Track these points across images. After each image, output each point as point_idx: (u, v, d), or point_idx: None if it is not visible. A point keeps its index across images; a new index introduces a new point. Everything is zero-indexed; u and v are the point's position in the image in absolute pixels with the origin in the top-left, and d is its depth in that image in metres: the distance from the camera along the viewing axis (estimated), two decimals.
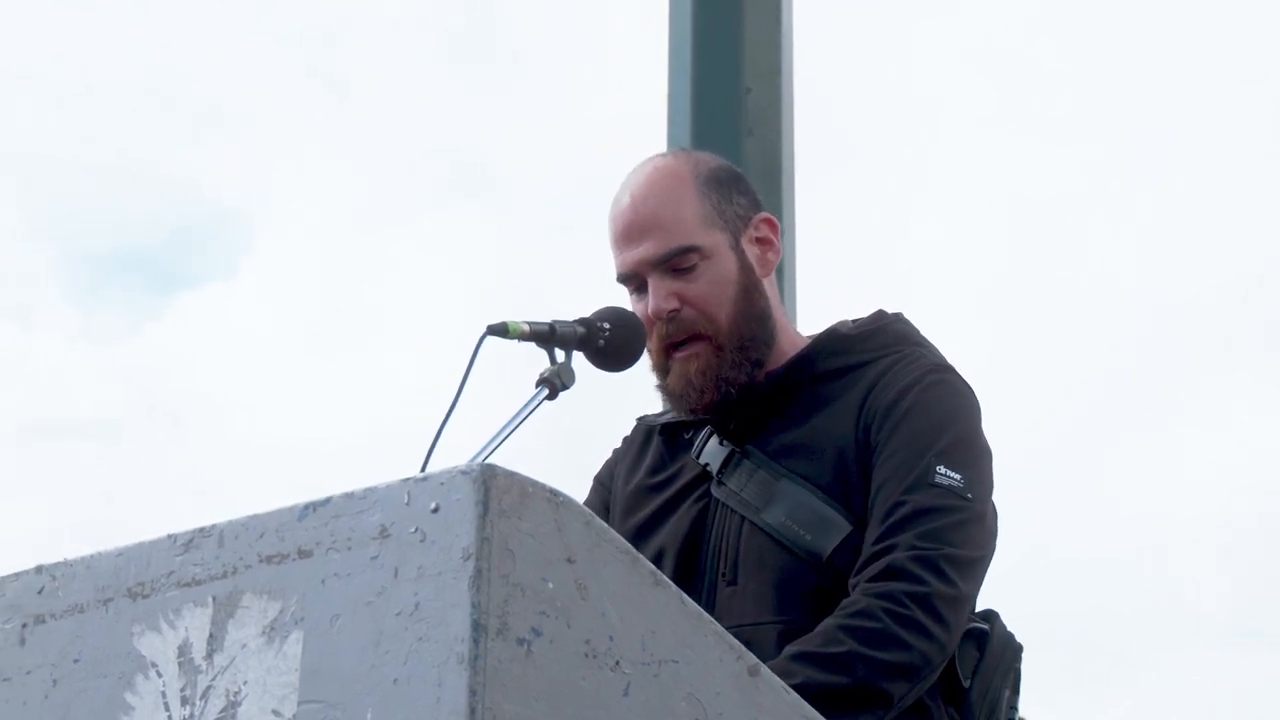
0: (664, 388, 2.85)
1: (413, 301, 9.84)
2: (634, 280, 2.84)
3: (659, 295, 2.80)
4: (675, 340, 2.81)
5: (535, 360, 2.67)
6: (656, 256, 2.80)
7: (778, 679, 1.92)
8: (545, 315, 2.69)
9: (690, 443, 2.90)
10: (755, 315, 2.83)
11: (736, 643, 1.88)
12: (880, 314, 2.92)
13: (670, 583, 1.84)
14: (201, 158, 10.35)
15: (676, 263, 2.80)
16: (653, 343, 2.82)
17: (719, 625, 1.88)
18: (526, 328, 2.65)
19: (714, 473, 2.82)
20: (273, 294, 10.22)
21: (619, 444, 3.07)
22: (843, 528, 2.69)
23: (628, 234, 2.83)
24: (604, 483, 3.02)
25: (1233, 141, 9.56)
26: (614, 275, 2.87)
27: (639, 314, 2.82)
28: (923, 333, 2.91)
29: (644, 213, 2.82)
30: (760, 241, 2.89)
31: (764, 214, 2.91)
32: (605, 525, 1.80)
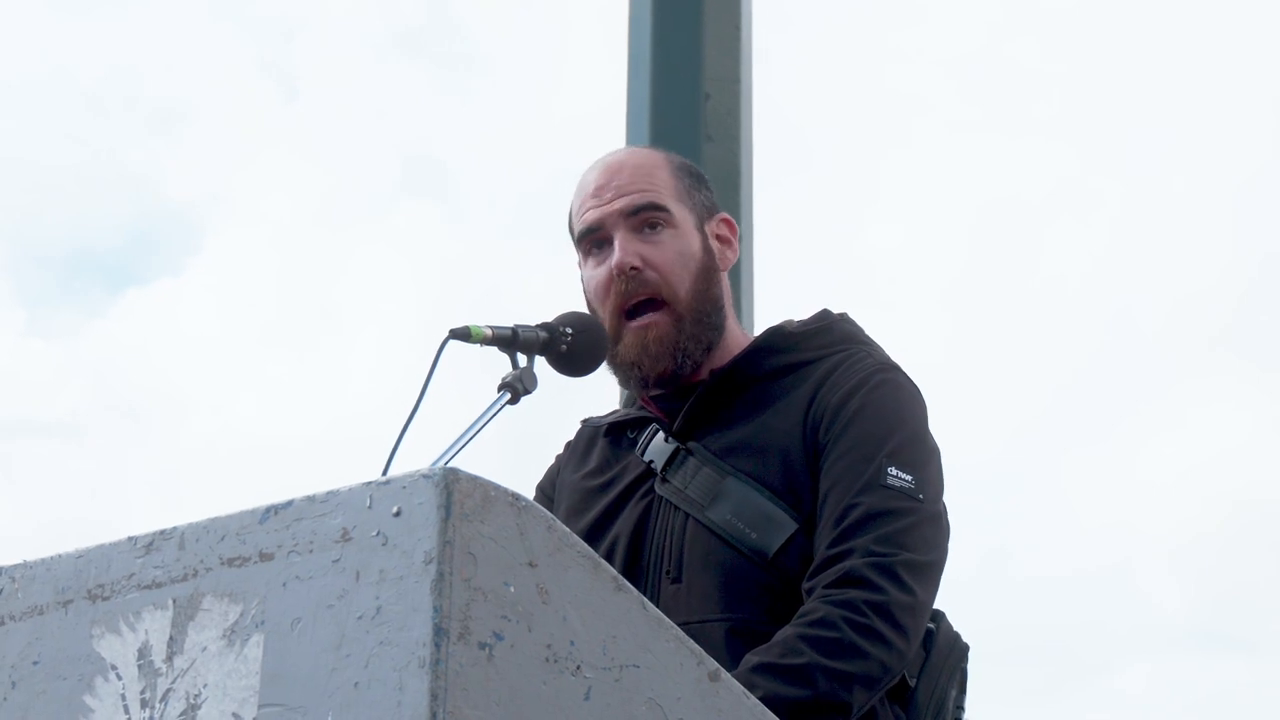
0: (616, 356, 2.82)
1: (369, 300, 9.83)
2: (597, 234, 2.85)
3: (625, 250, 2.81)
4: (633, 300, 2.81)
5: (497, 364, 2.67)
6: (629, 208, 2.83)
7: (738, 684, 1.93)
8: (506, 318, 2.69)
9: (634, 442, 2.90)
10: (712, 298, 2.85)
11: (697, 648, 1.89)
12: (825, 313, 2.93)
13: (632, 587, 1.84)
14: (154, 156, 10.31)
15: (647, 217, 2.83)
16: (610, 303, 2.81)
17: (680, 630, 1.88)
18: (489, 332, 2.65)
19: (658, 470, 2.82)
20: (227, 292, 10.19)
21: (561, 450, 3.06)
22: (789, 526, 2.70)
23: (600, 190, 2.86)
24: (546, 491, 3.03)
25: (1190, 149, 9.62)
26: (575, 234, 2.88)
27: (600, 277, 2.82)
28: (868, 332, 2.92)
29: (620, 172, 2.86)
30: (720, 239, 2.92)
31: (724, 214, 2.96)
32: (567, 530, 1.80)
